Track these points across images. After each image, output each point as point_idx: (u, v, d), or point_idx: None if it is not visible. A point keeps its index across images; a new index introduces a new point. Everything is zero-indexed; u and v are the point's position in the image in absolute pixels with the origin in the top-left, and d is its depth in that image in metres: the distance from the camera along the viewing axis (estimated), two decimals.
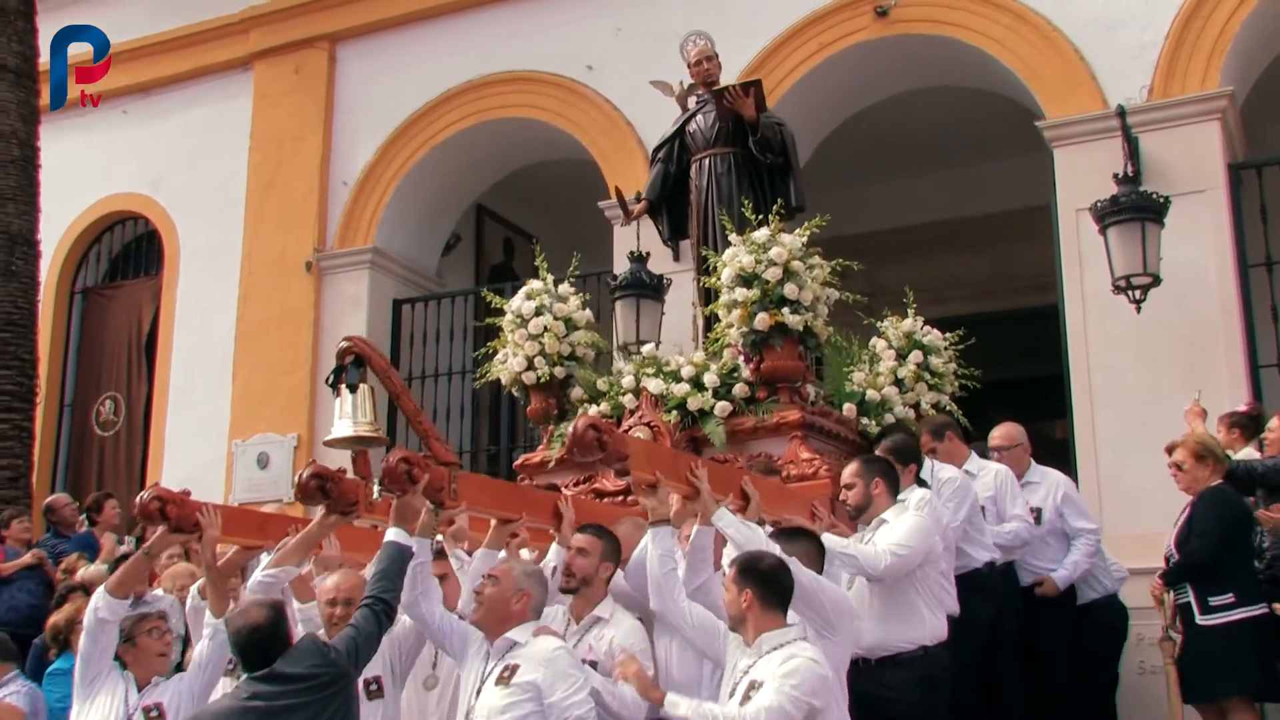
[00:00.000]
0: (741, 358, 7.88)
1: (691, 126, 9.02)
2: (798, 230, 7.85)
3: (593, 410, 8.07)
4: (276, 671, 4.80)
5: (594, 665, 5.48)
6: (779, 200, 8.31)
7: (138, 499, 5.96)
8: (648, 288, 9.98)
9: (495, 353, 8.94)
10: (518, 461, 8.88)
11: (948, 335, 8.97)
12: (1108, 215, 9.08)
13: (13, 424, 10.99)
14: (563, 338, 8.59)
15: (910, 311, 8.98)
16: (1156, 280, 8.99)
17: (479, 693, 5.23)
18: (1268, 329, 9.45)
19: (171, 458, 12.68)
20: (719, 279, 7.85)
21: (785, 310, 7.61)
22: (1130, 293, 9.03)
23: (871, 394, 8.16)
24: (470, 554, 6.53)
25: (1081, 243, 9.62)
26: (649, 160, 11.04)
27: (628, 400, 8.10)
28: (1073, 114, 9.94)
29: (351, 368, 5.63)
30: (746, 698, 4.72)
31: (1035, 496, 7.71)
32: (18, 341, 11.24)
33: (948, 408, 8.73)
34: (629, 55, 11.45)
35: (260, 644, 4.84)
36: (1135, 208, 9.01)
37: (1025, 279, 12.65)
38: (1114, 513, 8.63)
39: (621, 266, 10.38)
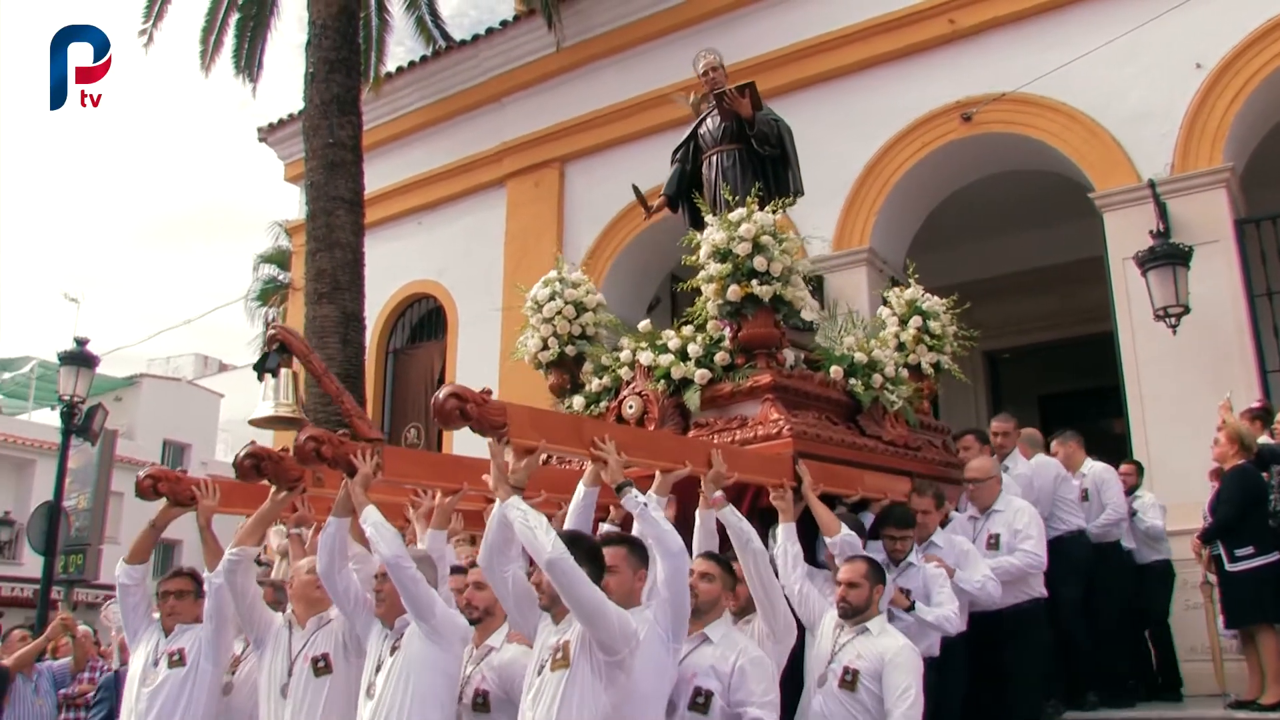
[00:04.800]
0: (727, 328, 6.73)
1: (702, 129, 8.05)
2: (768, 207, 6.75)
3: (595, 383, 7.15)
4: None
5: (486, 694, 4.62)
6: (757, 184, 7.31)
7: (135, 480, 5.42)
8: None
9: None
10: None
11: (946, 300, 7.97)
12: (1147, 261, 9.19)
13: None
14: (574, 319, 7.61)
15: (912, 281, 7.98)
16: (1187, 309, 9.08)
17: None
18: (1271, 343, 9.41)
19: None
20: (698, 257, 6.78)
21: (754, 282, 6.49)
22: (1167, 320, 9.12)
23: (859, 356, 6.95)
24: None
25: (1128, 283, 9.57)
26: (798, 235, 11.30)
27: (624, 373, 6.98)
28: (1115, 187, 9.92)
29: (274, 354, 4.91)
30: (557, 661, 3.95)
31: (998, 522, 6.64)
32: (351, 388, 11.51)
33: (947, 367, 7.85)
34: None
35: None
36: (1168, 255, 9.12)
37: (1087, 312, 12.23)
38: (1163, 487, 8.46)
39: None
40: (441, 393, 4.15)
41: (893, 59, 11.40)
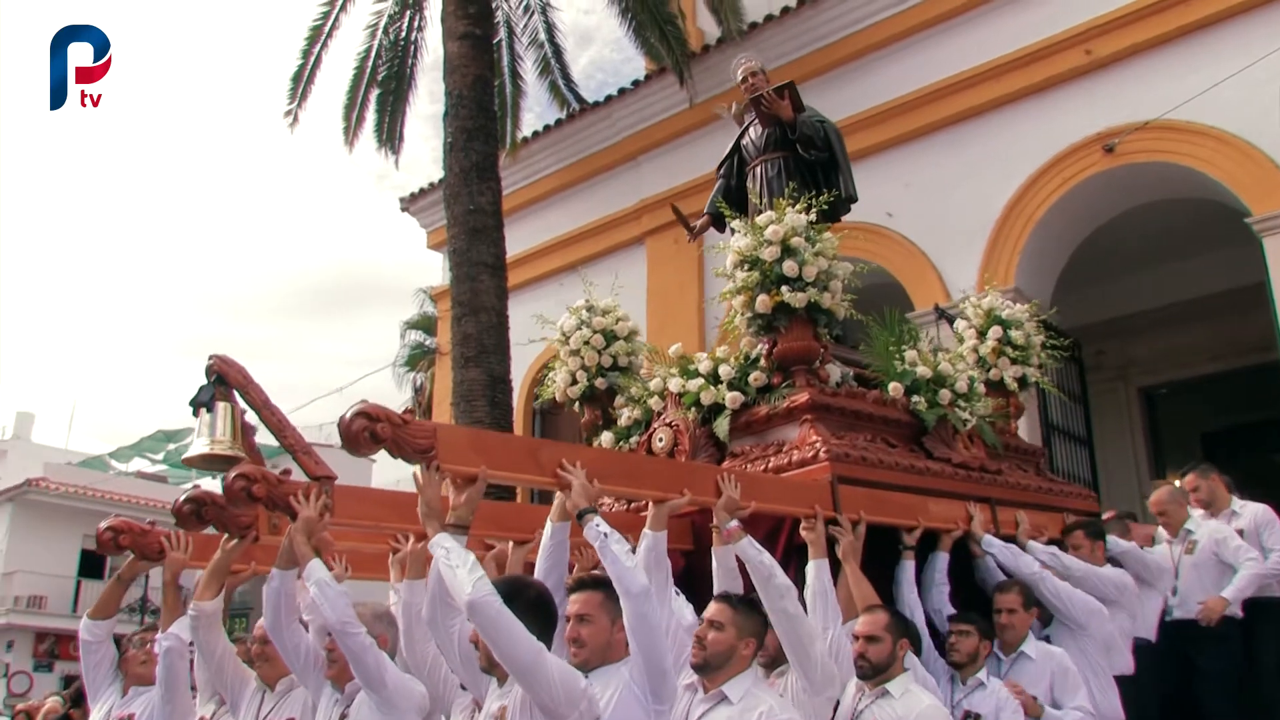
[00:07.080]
0: (763, 345, 6.02)
1: (745, 140, 7.47)
2: (796, 206, 5.96)
3: (625, 416, 6.53)
4: None
5: None
6: (791, 184, 6.62)
7: (96, 533, 4.92)
8: None
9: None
10: None
11: (1027, 306, 7.40)
12: None
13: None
14: (603, 350, 6.90)
15: (989, 288, 7.50)
16: None
17: None
18: None
19: None
20: (724, 268, 6.07)
21: (785, 289, 5.76)
22: None
23: (922, 370, 6.12)
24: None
25: None
26: (940, 277, 11.18)
27: (654, 403, 6.33)
28: (1275, 210, 9.49)
29: (208, 386, 4.35)
30: None
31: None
32: None
33: (1034, 380, 7.22)
34: (917, 202, 11.50)
35: None
36: None
37: (1249, 342, 11.89)
38: None
39: None
40: (348, 413, 3.55)
41: (1029, 94, 11.25)
